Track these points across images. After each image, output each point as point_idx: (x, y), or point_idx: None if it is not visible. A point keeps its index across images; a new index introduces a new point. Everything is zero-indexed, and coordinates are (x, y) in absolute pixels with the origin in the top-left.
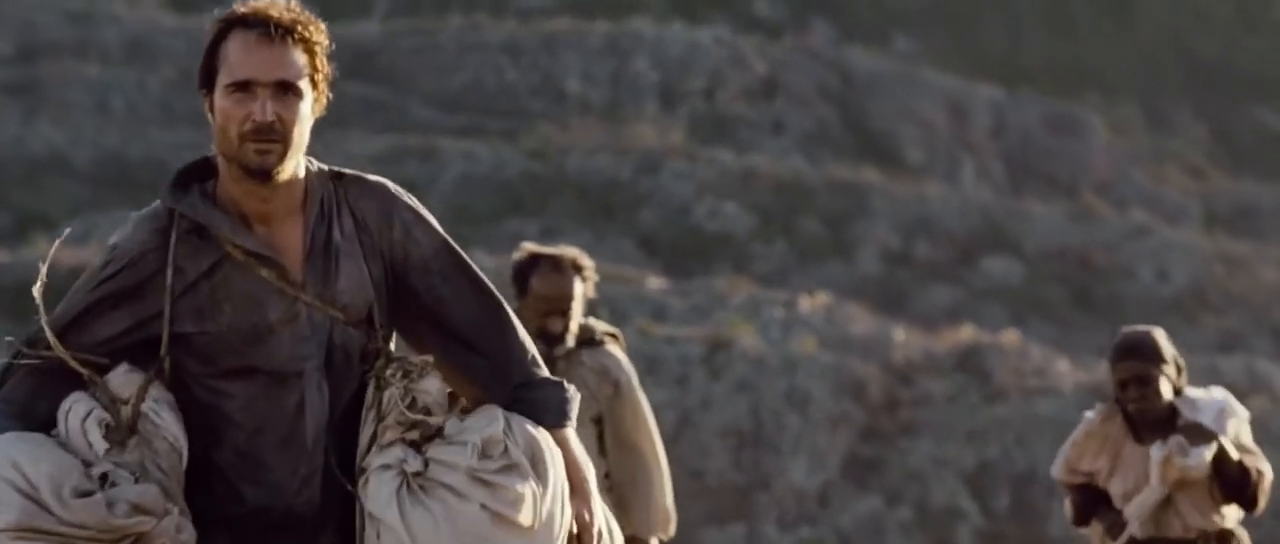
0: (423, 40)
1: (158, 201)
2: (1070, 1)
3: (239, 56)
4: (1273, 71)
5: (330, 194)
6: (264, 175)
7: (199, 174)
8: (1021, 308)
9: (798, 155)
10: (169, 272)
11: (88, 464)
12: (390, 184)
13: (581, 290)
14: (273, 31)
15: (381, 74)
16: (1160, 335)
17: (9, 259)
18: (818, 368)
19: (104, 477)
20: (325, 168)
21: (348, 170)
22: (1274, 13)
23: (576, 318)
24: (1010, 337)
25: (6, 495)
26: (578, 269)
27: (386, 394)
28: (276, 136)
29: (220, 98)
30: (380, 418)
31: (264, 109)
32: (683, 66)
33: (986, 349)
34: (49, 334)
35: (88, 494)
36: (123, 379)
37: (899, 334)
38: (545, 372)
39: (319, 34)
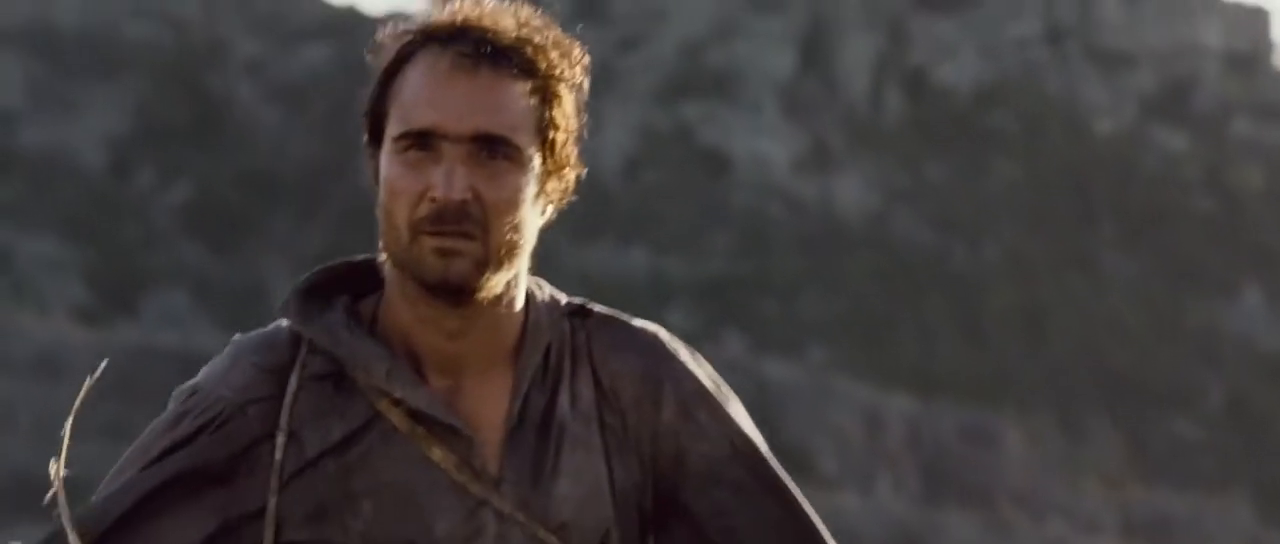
0: None
1: (275, 324)
2: (983, 313)
3: (420, 89)
4: (1185, 382)
5: (565, 339)
6: (451, 291)
7: (350, 284)
8: None
9: None
10: (279, 438)
11: None
12: (663, 333)
13: None
14: (479, 51)
15: None
16: None
17: None
18: None
19: None
20: (561, 297)
21: (598, 306)
22: (1186, 323)
23: None
24: None
25: None
26: None
27: None
28: (470, 225)
29: (386, 160)
30: None
31: (450, 179)
32: None
33: None
34: (73, 540)
35: None
36: None
37: None
38: None
39: (563, 59)
